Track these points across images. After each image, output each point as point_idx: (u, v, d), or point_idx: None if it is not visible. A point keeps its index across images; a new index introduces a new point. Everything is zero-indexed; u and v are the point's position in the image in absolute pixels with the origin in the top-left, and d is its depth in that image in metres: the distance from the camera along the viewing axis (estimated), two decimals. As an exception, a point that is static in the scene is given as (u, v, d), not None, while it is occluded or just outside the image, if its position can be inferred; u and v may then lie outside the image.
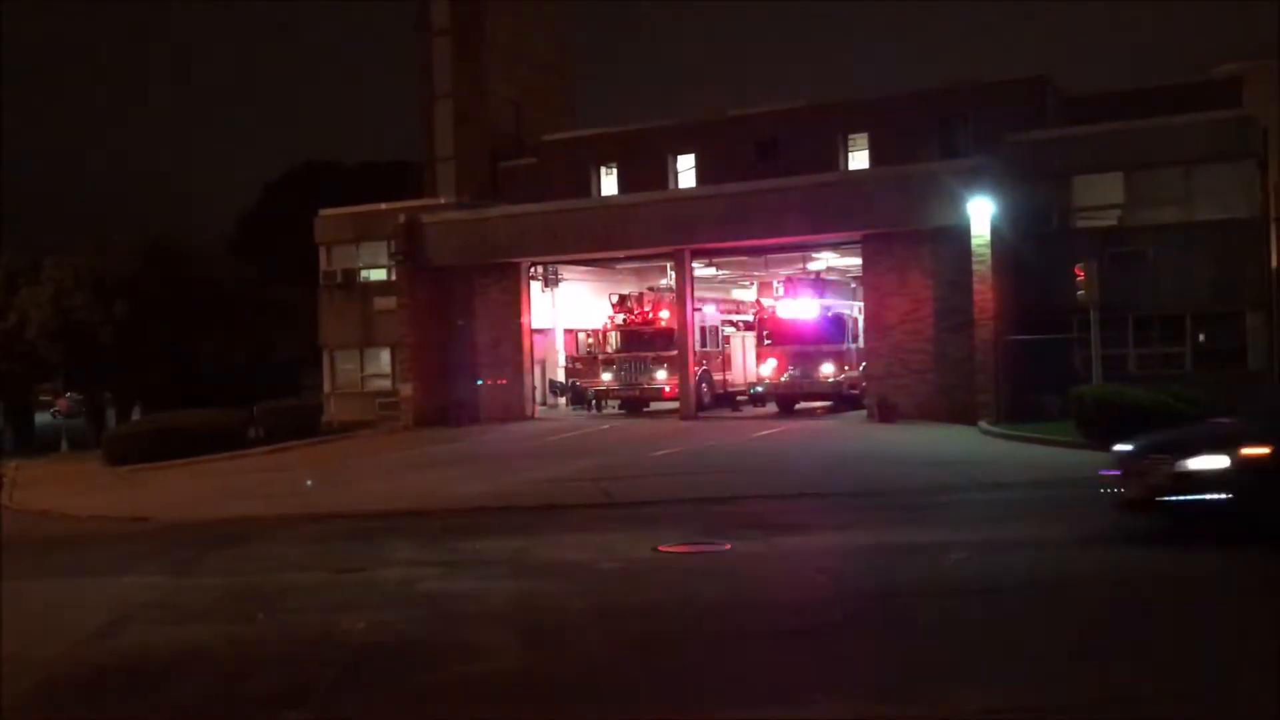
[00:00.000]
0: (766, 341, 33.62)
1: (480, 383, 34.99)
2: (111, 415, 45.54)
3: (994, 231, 27.58)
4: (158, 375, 41.07)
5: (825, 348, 32.26)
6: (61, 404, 45.97)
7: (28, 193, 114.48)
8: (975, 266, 27.63)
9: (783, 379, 32.94)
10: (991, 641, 8.80)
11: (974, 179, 27.90)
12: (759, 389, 33.89)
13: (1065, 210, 30.17)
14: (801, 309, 32.82)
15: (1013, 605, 10.01)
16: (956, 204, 27.71)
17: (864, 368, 31.72)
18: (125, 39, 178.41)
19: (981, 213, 27.48)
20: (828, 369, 32.27)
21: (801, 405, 33.77)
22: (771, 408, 33.75)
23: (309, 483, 22.44)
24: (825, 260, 35.80)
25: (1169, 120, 29.23)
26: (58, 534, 19.04)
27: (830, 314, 32.63)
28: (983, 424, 26.21)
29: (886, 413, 28.88)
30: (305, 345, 42.66)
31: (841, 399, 32.81)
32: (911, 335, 29.39)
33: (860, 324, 32.23)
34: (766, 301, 34.35)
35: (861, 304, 32.34)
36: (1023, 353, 27.94)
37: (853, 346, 32.41)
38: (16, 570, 14.88)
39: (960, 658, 8.36)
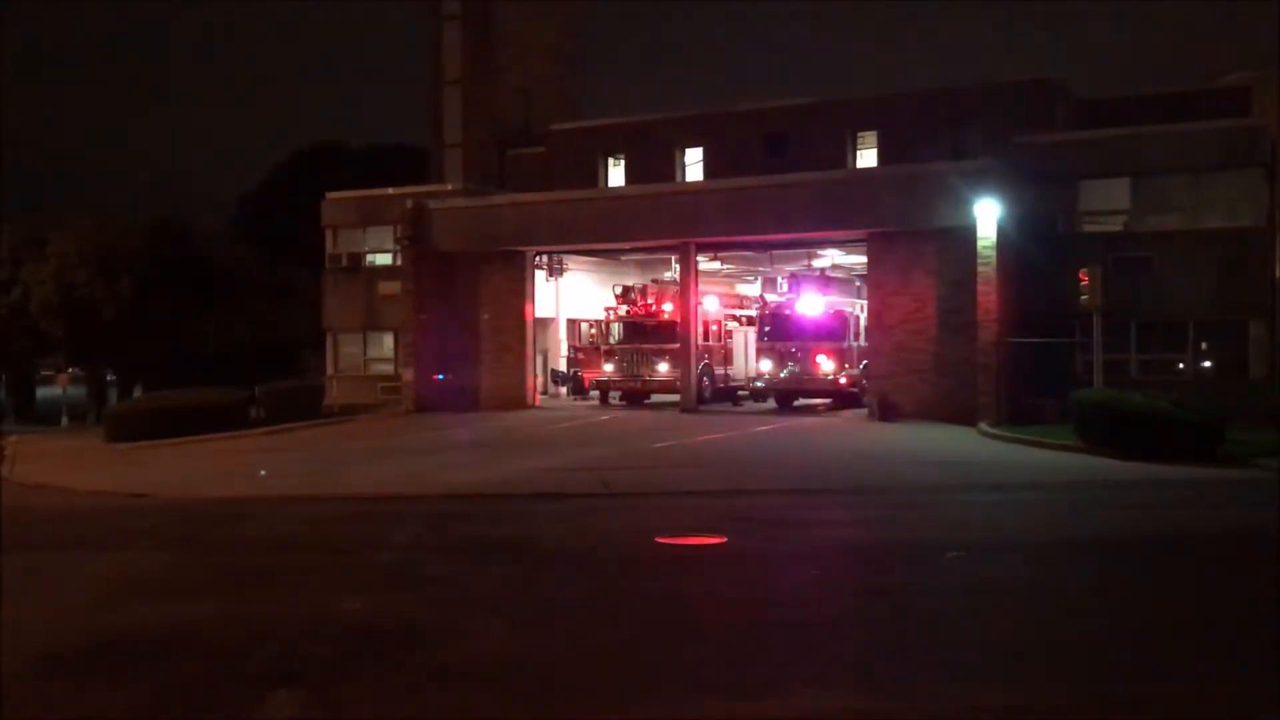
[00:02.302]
0: (766, 337, 33.51)
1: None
2: (113, 392, 45.64)
3: (1000, 233, 27.56)
4: (159, 353, 41.15)
5: (825, 345, 32.09)
6: (63, 380, 46.00)
7: (32, 169, 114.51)
8: (980, 268, 27.63)
9: (782, 375, 32.83)
10: (985, 639, 8.83)
11: (981, 180, 27.88)
12: (758, 384, 33.81)
13: (1071, 214, 30.15)
14: (802, 305, 32.70)
15: (1006, 604, 10.04)
16: (963, 205, 27.70)
17: (864, 366, 31.70)
18: (132, 20, 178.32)
19: (988, 214, 27.47)
20: (827, 366, 32.12)
21: (801, 402, 33.67)
22: (772, 403, 33.77)
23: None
24: (830, 257, 35.77)
25: (1177, 127, 29.22)
26: (56, 508, 19.09)
27: (831, 311, 32.46)
28: (983, 425, 26.23)
29: (887, 411, 28.90)
30: (308, 328, 42.72)
31: (840, 396, 32.70)
32: (914, 335, 29.39)
33: (862, 322, 32.17)
34: (769, 297, 34.26)
35: (865, 302, 32.33)
36: (1024, 356, 27.95)
37: (853, 344, 32.26)
38: (14, 543, 14.94)
39: (953, 655, 8.39)
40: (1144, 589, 10.62)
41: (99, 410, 40.45)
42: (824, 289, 32.97)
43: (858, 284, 34.13)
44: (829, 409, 32.81)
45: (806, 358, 32.42)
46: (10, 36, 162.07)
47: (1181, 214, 29.22)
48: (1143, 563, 11.89)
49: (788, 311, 33.03)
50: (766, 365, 33.30)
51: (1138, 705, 7.28)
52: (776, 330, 33.17)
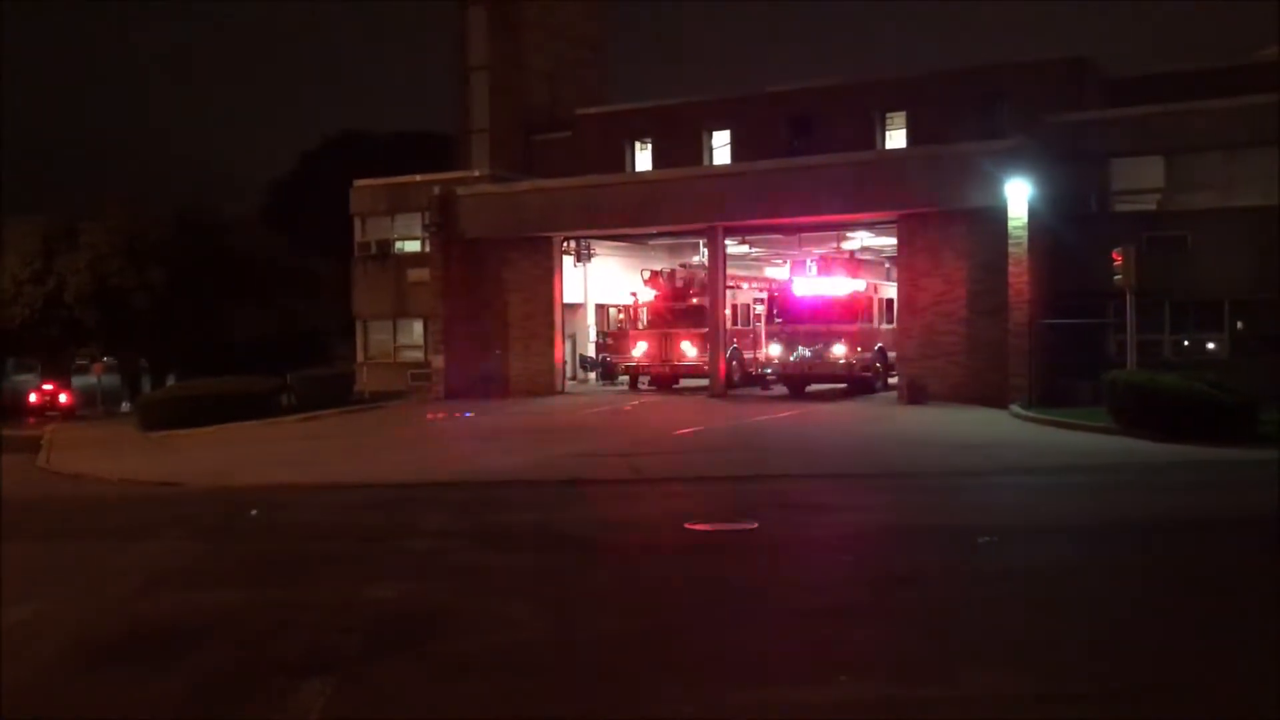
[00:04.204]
0: (776, 320, 32.62)
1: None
2: (146, 380, 46.04)
3: (1031, 214, 27.32)
4: (192, 341, 41.45)
5: (836, 327, 31.11)
6: (98, 368, 46.44)
7: (61, 157, 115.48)
8: (1011, 249, 27.40)
9: (791, 359, 31.82)
10: (1017, 625, 8.76)
11: (1011, 160, 27.62)
12: (767, 370, 32.91)
13: (1103, 193, 29.82)
14: (811, 287, 31.78)
15: (1039, 589, 9.96)
16: (993, 185, 27.45)
17: (879, 348, 31.29)
18: (159, 10, 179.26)
19: (1018, 194, 27.23)
20: (838, 350, 31.06)
21: (814, 388, 32.65)
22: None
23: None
24: (860, 239, 35.51)
25: (1211, 104, 28.77)
26: (91, 497, 19.27)
27: (842, 293, 31.44)
28: (1014, 408, 26.04)
29: (916, 394, 28.74)
30: (337, 315, 42.93)
31: (853, 381, 31.75)
32: (944, 317, 29.19)
33: (877, 303, 31.68)
34: (778, 278, 33.59)
35: (890, 284, 32.06)
36: (1056, 337, 27.71)
37: (867, 326, 31.45)
38: (50, 531, 15.12)
39: (986, 641, 8.33)
40: (1181, 573, 10.51)
41: (133, 398, 40.79)
42: (844, 270, 32.46)
43: (887, 266, 33.89)
44: (852, 393, 31.89)
45: (816, 341, 31.47)
46: (41, 29, 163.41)
47: (1216, 192, 28.79)
48: (1179, 546, 11.76)
49: (796, 293, 32.25)
50: (776, 350, 32.42)
51: (1173, 693, 7.20)
52: (785, 313, 32.36)
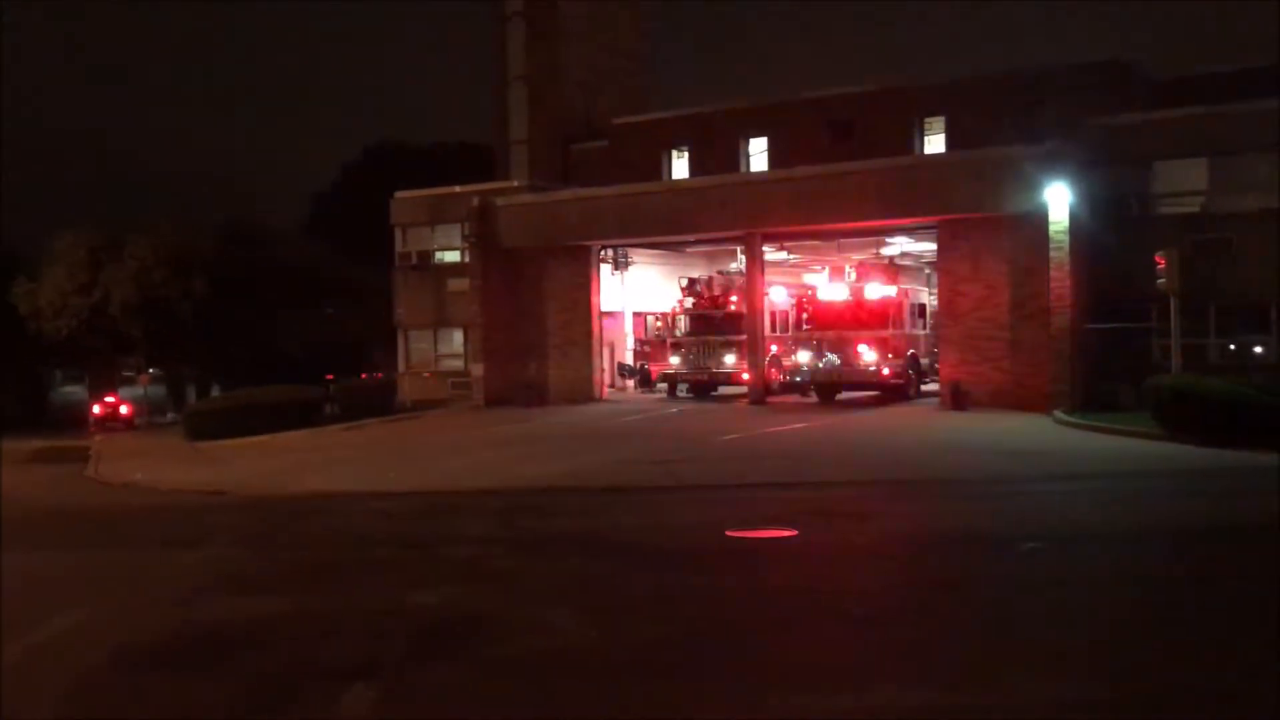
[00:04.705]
0: (805, 326, 32.02)
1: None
2: (191, 390, 46.64)
3: (1072, 218, 27.08)
4: (236, 352, 41.95)
5: (865, 333, 30.47)
6: (144, 379, 47.18)
7: (103, 169, 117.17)
8: (1053, 253, 27.18)
9: (820, 366, 31.21)
10: (1062, 632, 8.68)
11: (1052, 164, 27.40)
12: (796, 378, 32.20)
13: (1146, 196, 29.50)
14: (839, 292, 31.28)
15: (1085, 597, 9.87)
16: (1034, 189, 27.24)
17: (911, 354, 30.95)
18: (200, 23, 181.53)
19: (1060, 199, 27.01)
20: (868, 356, 30.42)
21: (845, 395, 31.96)
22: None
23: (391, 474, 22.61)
24: (899, 245, 35.28)
25: (1254, 105, 28.34)
26: (139, 506, 19.55)
27: (871, 297, 30.87)
28: (1057, 413, 25.80)
29: (958, 400, 28.55)
30: (379, 325, 43.32)
31: (885, 388, 31.00)
32: (985, 322, 28.97)
33: (909, 308, 31.26)
34: (805, 282, 32.92)
35: (924, 289, 31.78)
36: (1099, 342, 27.44)
37: (898, 332, 30.85)
38: (101, 540, 15.36)
39: (1031, 649, 8.27)
40: (1228, 581, 10.37)
41: (178, 408, 41.38)
42: (876, 276, 32.26)
43: (927, 272, 33.69)
44: (879, 401, 31.13)
45: (845, 347, 30.82)
46: (84, 42, 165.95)
47: (1261, 193, 28.37)
48: (1226, 554, 11.61)
49: (824, 298, 31.75)
50: (804, 356, 31.81)
51: (1222, 698, 7.12)
52: (813, 318, 31.81)
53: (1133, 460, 19.40)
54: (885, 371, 30.58)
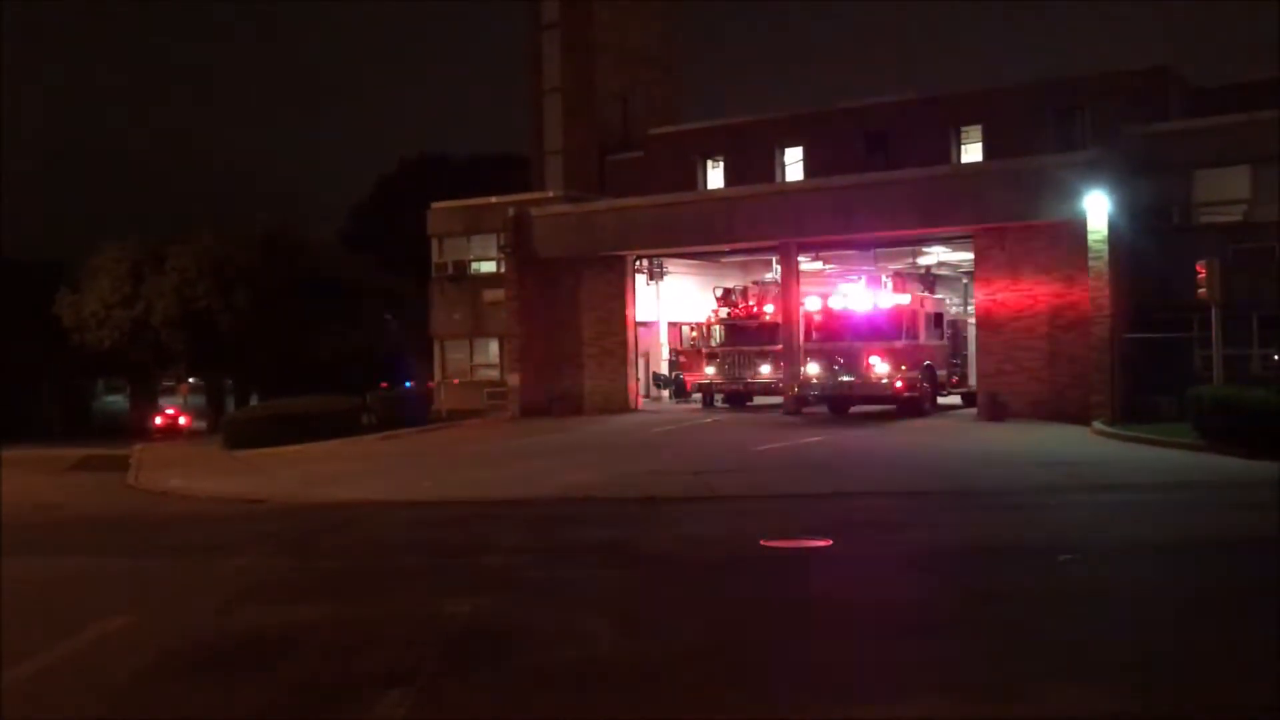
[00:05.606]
0: (814, 336, 31.05)
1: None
2: (230, 400, 47.19)
3: (1111, 227, 26.86)
4: (275, 362, 42.33)
5: (877, 345, 29.54)
6: (184, 389, 47.99)
7: (154, 186, 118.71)
8: (1091, 263, 26.96)
9: (831, 379, 30.32)
10: (1096, 645, 8.60)
11: (1091, 172, 27.20)
12: (809, 392, 31.06)
13: (1186, 205, 29.22)
14: (849, 301, 30.52)
15: (1121, 609, 9.76)
16: (1073, 198, 27.05)
17: (926, 365, 30.32)
18: (240, 36, 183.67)
19: (1098, 207, 26.79)
20: (880, 369, 29.44)
21: (857, 409, 31.12)
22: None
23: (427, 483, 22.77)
24: (936, 254, 35.11)
25: (1296, 111, 28.07)
26: (179, 513, 19.76)
27: (883, 307, 30.04)
28: (1097, 424, 25.55)
29: (995, 411, 28.34)
30: (415, 335, 43.60)
31: (899, 402, 29.92)
32: (1023, 332, 28.77)
33: (924, 318, 30.56)
34: (815, 292, 32.02)
35: (942, 297, 31.44)
36: (1139, 352, 27.16)
37: (911, 343, 29.88)
38: (142, 548, 15.54)
39: (1070, 660, 8.19)
40: (1274, 595, 10.23)
41: (217, 418, 41.83)
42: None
43: (964, 281, 33.48)
44: (896, 415, 29.84)
45: (856, 360, 29.86)
46: (129, 54, 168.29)
47: (1305, 201, 28.06)
48: (1268, 566, 11.46)
49: (834, 308, 30.93)
50: (815, 369, 30.81)
51: (1255, 714, 7.03)
52: (823, 329, 30.93)
53: (1172, 471, 19.16)
54: (898, 384, 29.62)
